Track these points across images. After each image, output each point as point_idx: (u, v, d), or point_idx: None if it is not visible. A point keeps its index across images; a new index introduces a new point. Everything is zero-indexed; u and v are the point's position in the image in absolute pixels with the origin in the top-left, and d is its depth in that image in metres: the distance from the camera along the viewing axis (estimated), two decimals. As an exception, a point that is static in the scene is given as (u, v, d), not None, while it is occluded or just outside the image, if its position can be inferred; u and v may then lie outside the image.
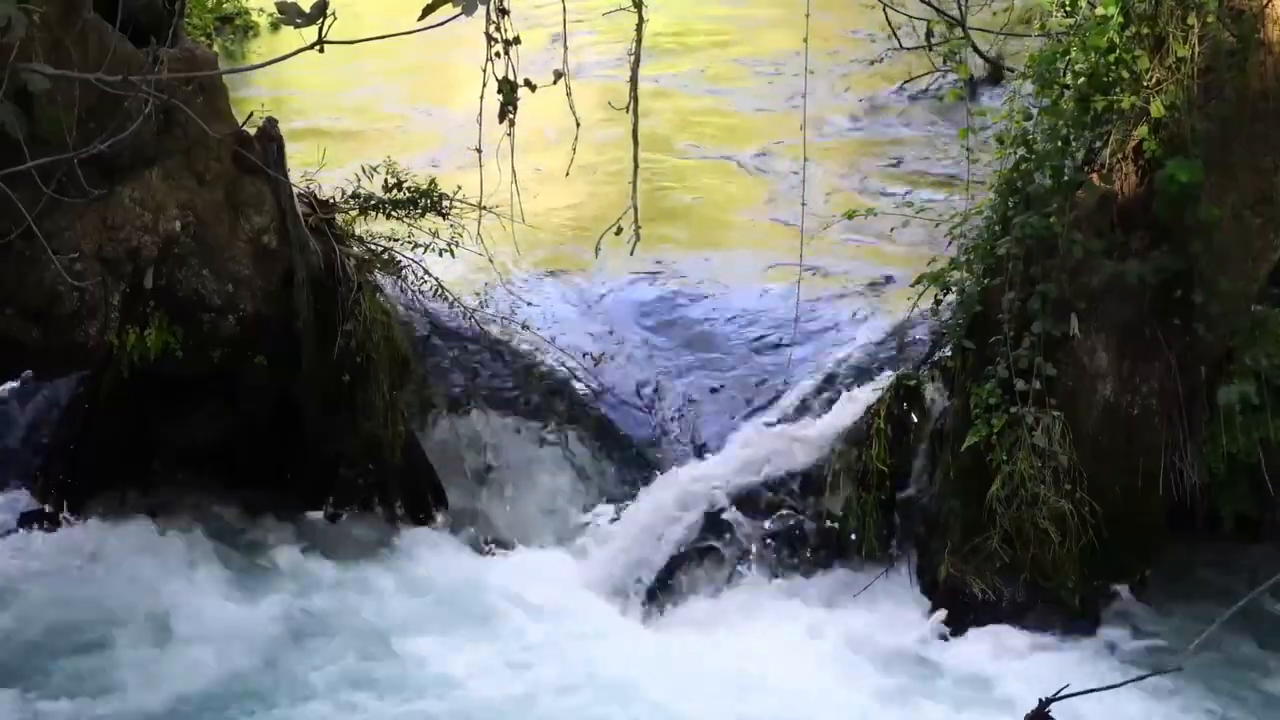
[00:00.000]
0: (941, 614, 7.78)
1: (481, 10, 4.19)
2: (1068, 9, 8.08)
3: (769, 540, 8.26)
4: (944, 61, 13.75)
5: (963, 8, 8.12)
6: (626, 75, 7.15)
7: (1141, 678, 5.28)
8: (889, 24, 12.98)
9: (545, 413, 8.77)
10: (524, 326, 9.10)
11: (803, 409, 8.67)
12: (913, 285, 8.40)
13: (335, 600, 7.89)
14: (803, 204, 8.00)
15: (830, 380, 8.78)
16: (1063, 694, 4.19)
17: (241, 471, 8.62)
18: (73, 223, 7.22)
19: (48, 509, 8.56)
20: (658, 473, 8.56)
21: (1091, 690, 4.35)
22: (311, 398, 8.32)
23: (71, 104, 6.67)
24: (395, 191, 8.70)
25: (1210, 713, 7.11)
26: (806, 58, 7.55)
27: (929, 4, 8.37)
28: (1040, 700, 4.20)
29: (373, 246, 8.65)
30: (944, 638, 7.72)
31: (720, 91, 13.55)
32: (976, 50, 11.76)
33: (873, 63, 12.95)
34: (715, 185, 11.45)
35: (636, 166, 7.16)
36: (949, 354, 8.24)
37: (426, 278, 8.77)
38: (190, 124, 7.37)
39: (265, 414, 8.39)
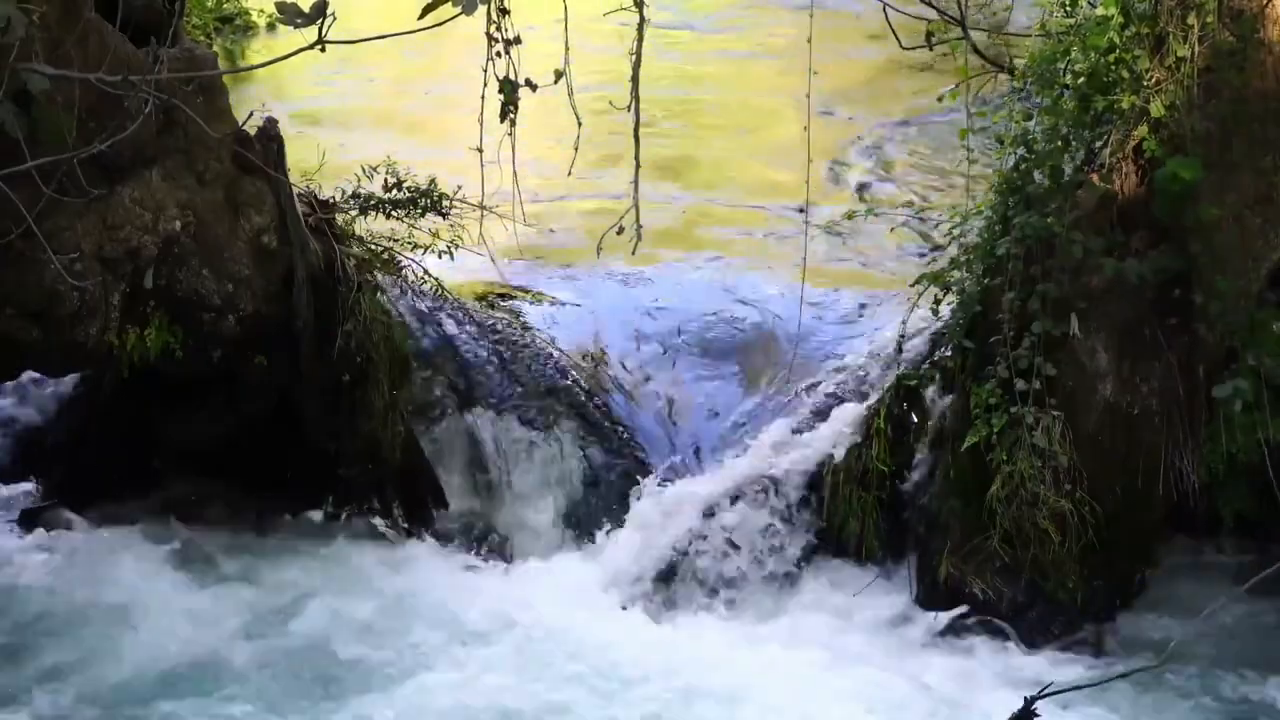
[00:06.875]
0: (941, 614, 7.78)
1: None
2: (1068, 9, 8.09)
3: (769, 540, 8.26)
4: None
5: (963, 7, 8.11)
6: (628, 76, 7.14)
7: (1123, 675, 5.33)
8: (889, 25, 12.93)
9: (545, 413, 8.76)
10: (524, 327, 9.10)
11: (803, 409, 8.67)
12: (912, 285, 8.40)
13: (334, 600, 7.89)
14: (807, 204, 8.01)
15: (831, 380, 8.79)
16: (1047, 691, 4.22)
17: (241, 471, 8.62)
18: (73, 223, 7.23)
19: (49, 508, 8.57)
20: (659, 473, 8.56)
21: (1075, 688, 4.39)
22: (311, 398, 8.32)
23: (71, 104, 6.69)
24: (395, 191, 8.70)
25: (1199, 711, 7.13)
26: (810, 57, 7.55)
27: (929, 4, 8.35)
28: (1025, 698, 4.23)
29: (373, 246, 8.65)
30: (944, 638, 7.71)
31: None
32: (976, 51, 11.72)
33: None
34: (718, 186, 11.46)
35: (638, 166, 7.15)
36: (949, 354, 8.24)
37: (426, 278, 8.77)
38: (190, 124, 7.38)
39: (265, 414, 8.40)
